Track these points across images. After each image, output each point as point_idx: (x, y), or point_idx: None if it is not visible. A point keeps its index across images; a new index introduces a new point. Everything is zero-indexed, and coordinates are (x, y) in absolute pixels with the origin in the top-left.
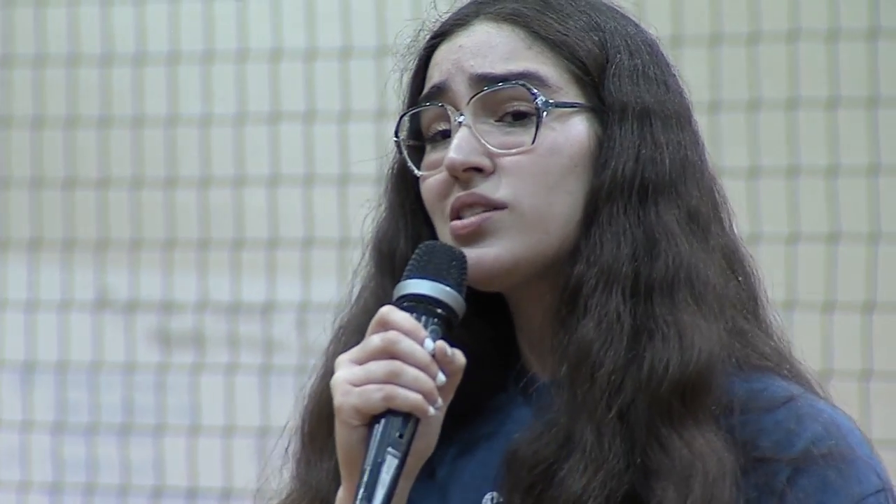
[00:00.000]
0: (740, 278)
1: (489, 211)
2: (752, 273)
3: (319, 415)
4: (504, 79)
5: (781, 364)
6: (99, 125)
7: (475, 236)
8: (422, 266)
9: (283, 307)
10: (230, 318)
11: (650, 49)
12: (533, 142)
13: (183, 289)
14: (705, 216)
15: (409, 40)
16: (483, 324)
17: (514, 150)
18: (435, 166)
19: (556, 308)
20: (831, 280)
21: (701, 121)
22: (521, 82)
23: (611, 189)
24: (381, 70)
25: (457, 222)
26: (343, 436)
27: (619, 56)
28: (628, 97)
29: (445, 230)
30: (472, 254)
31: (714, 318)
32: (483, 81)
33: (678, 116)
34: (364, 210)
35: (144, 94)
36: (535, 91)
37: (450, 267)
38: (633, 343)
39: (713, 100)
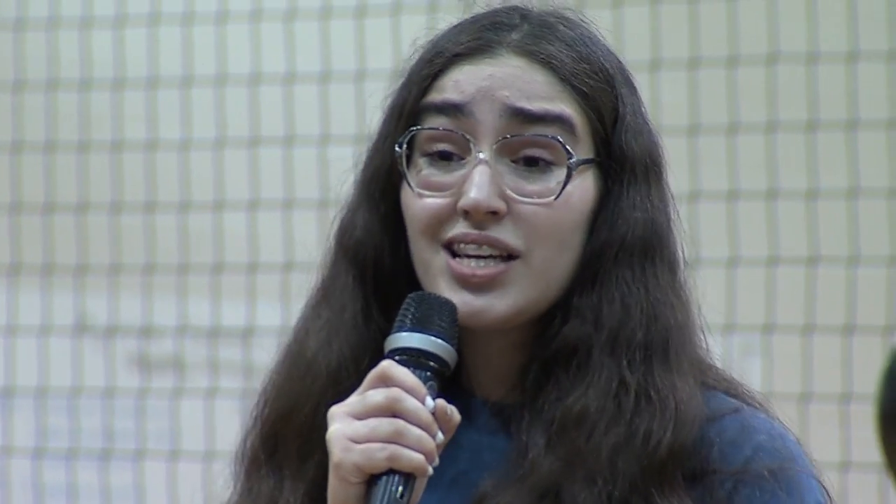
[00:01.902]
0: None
1: (504, 259)
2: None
3: (285, 422)
4: (541, 118)
5: (732, 384)
6: (78, 150)
7: (484, 286)
8: (415, 318)
9: (262, 331)
10: (210, 342)
11: (638, 94)
12: (557, 197)
13: (162, 313)
14: (680, 264)
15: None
16: None
17: (533, 200)
18: (435, 188)
19: (539, 358)
20: (811, 303)
21: (680, 144)
22: (556, 137)
23: (619, 250)
24: (360, 94)
25: (468, 270)
26: (340, 491)
27: (626, 109)
28: (633, 153)
29: (436, 259)
30: (477, 302)
31: (692, 376)
32: (519, 115)
33: (660, 170)
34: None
35: (123, 118)
36: (570, 149)
37: (442, 318)
38: (633, 409)
39: (692, 123)
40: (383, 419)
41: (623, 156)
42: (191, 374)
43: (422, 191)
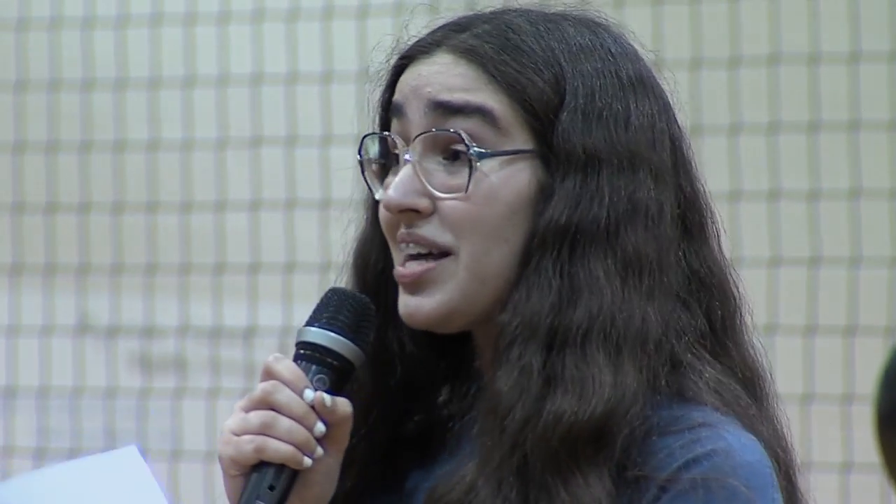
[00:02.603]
0: (703, 307)
1: (435, 257)
2: (729, 297)
3: None
4: (461, 110)
5: (724, 398)
6: (80, 150)
7: (415, 286)
8: (324, 315)
9: (264, 332)
10: (212, 342)
11: (619, 83)
12: (466, 190)
13: (164, 313)
14: (650, 257)
15: (382, 61)
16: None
17: (450, 195)
18: None
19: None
20: (813, 304)
21: None
22: (458, 131)
23: (543, 239)
24: (362, 94)
25: (400, 270)
26: (226, 485)
27: (574, 98)
28: (574, 144)
29: (397, 262)
30: (411, 303)
31: (632, 366)
32: (440, 109)
33: (633, 157)
34: (346, 234)
35: (126, 118)
36: (469, 143)
37: (346, 315)
38: (540, 395)
39: (694, 124)
40: (256, 412)
41: (560, 146)
42: (193, 375)
43: (381, 196)
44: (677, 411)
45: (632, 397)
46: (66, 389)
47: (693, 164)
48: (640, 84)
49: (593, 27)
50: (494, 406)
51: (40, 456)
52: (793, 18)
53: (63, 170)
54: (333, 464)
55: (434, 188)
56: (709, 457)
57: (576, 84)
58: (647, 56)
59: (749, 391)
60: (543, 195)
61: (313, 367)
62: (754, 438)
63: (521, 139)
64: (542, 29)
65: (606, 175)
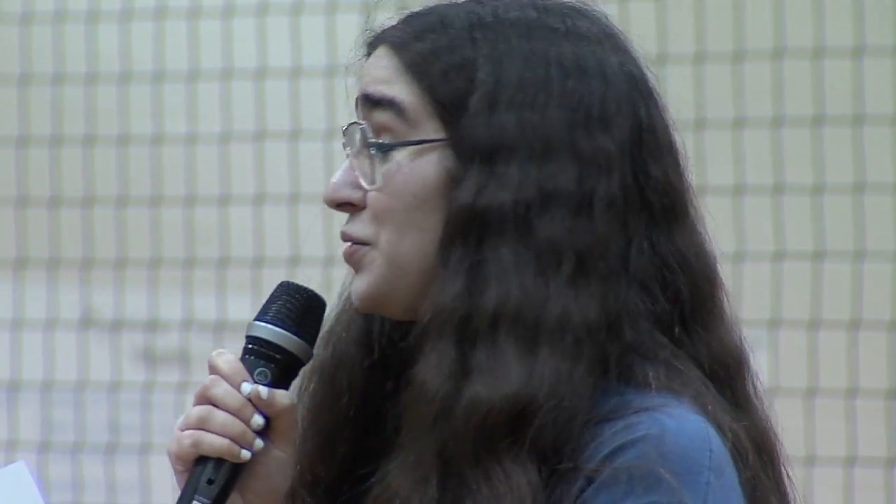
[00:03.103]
0: (669, 293)
1: (362, 244)
2: (702, 283)
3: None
4: (378, 102)
5: (675, 378)
6: (84, 144)
7: (354, 269)
8: (269, 309)
9: None
10: (216, 336)
11: (548, 64)
12: (374, 182)
13: (168, 307)
14: (573, 244)
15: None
16: None
17: (372, 187)
18: None
19: None
20: (817, 298)
21: (686, 138)
22: (361, 123)
23: (452, 227)
24: None
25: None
26: (177, 482)
27: (484, 84)
28: (479, 131)
29: None
30: (351, 284)
31: (551, 354)
32: (365, 102)
33: (549, 143)
34: None
35: (129, 112)
36: (371, 137)
37: (288, 307)
38: (455, 387)
39: (698, 118)
40: (196, 407)
41: (466, 136)
42: (197, 368)
43: None
44: (627, 398)
45: (551, 386)
46: (70, 383)
47: (666, 149)
48: (582, 65)
49: (544, 7)
50: (413, 399)
51: (44, 450)
52: (797, 12)
53: (67, 164)
54: (283, 456)
55: (362, 180)
56: (636, 443)
57: (487, 72)
58: (632, 41)
59: (719, 376)
60: (455, 184)
61: (258, 361)
62: (702, 421)
63: (430, 129)
64: (471, 12)
65: (517, 162)
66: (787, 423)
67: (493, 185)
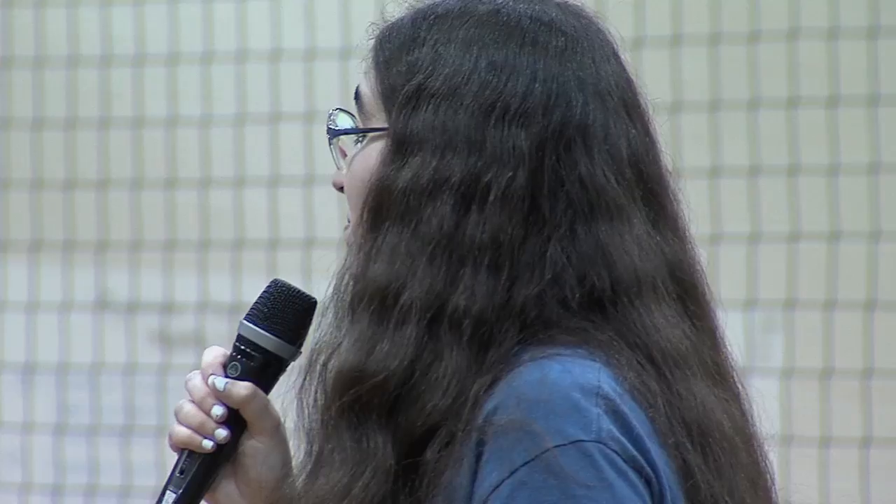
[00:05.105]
0: (584, 281)
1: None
2: (623, 273)
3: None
4: (356, 95)
5: (574, 333)
6: (99, 126)
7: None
8: (259, 310)
9: None
10: (231, 318)
11: (476, 62)
12: (341, 168)
13: (183, 289)
14: (460, 233)
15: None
16: None
17: (339, 173)
18: None
19: None
20: (832, 278)
21: (701, 119)
22: (332, 113)
23: (364, 210)
24: None
25: None
26: None
27: (416, 80)
28: (400, 124)
29: None
30: None
31: (418, 333)
32: (355, 94)
33: (453, 137)
34: None
35: (144, 95)
36: (334, 124)
37: (267, 305)
38: (330, 354)
39: (713, 99)
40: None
41: (392, 127)
42: None
43: None
44: (522, 356)
45: (427, 365)
46: (86, 366)
47: (600, 148)
48: (512, 62)
49: (511, 4)
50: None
51: (60, 432)
52: None
53: (82, 146)
54: (260, 447)
55: (336, 165)
56: (510, 398)
57: (420, 64)
58: (610, 35)
59: (655, 362)
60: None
61: (235, 356)
62: (593, 363)
63: (379, 120)
64: (431, 7)
65: (422, 153)
66: (803, 405)
67: (394, 172)
